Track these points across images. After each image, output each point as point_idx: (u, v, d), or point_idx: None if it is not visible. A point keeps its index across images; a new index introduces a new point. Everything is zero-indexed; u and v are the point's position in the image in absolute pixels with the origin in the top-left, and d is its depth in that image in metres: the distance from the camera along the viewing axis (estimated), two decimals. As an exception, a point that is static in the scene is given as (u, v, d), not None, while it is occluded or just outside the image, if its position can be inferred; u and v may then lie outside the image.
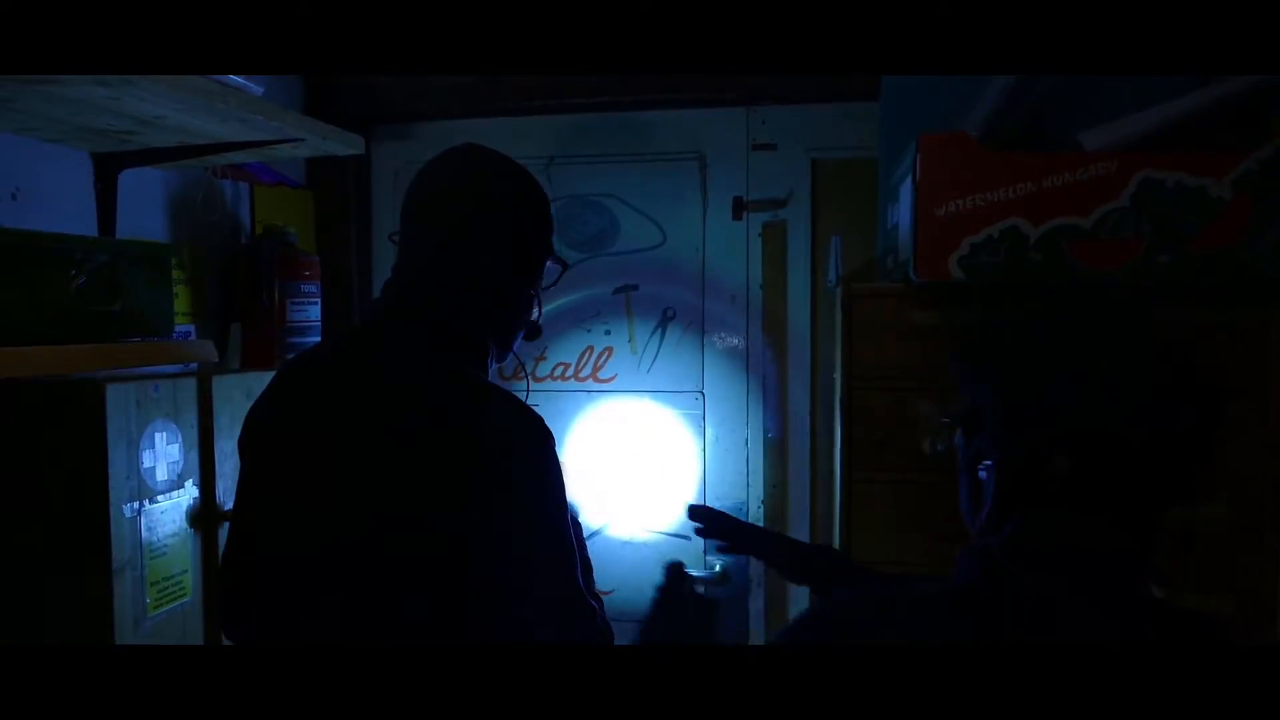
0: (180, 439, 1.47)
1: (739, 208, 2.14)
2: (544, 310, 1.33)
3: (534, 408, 1.15)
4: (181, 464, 1.47)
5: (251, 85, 1.42)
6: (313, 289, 1.91)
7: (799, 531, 2.13)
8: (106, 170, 1.56)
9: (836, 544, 1.75)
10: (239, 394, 1.55)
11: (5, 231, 0.98)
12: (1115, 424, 0.72)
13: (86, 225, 1.55)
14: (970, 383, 0.81)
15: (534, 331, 1.34)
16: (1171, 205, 1.48)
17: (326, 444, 1.14)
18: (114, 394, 1.34)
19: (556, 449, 1.15)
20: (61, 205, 1.49)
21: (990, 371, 0.79)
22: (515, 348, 1.31)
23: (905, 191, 1.65)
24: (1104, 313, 0.80)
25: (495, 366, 1.29)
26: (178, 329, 1.46)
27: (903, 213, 1.68)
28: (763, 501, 2.18)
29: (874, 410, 1.75)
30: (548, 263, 1.31)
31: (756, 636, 2.16)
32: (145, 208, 1.69)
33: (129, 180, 1.60)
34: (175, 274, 1.69)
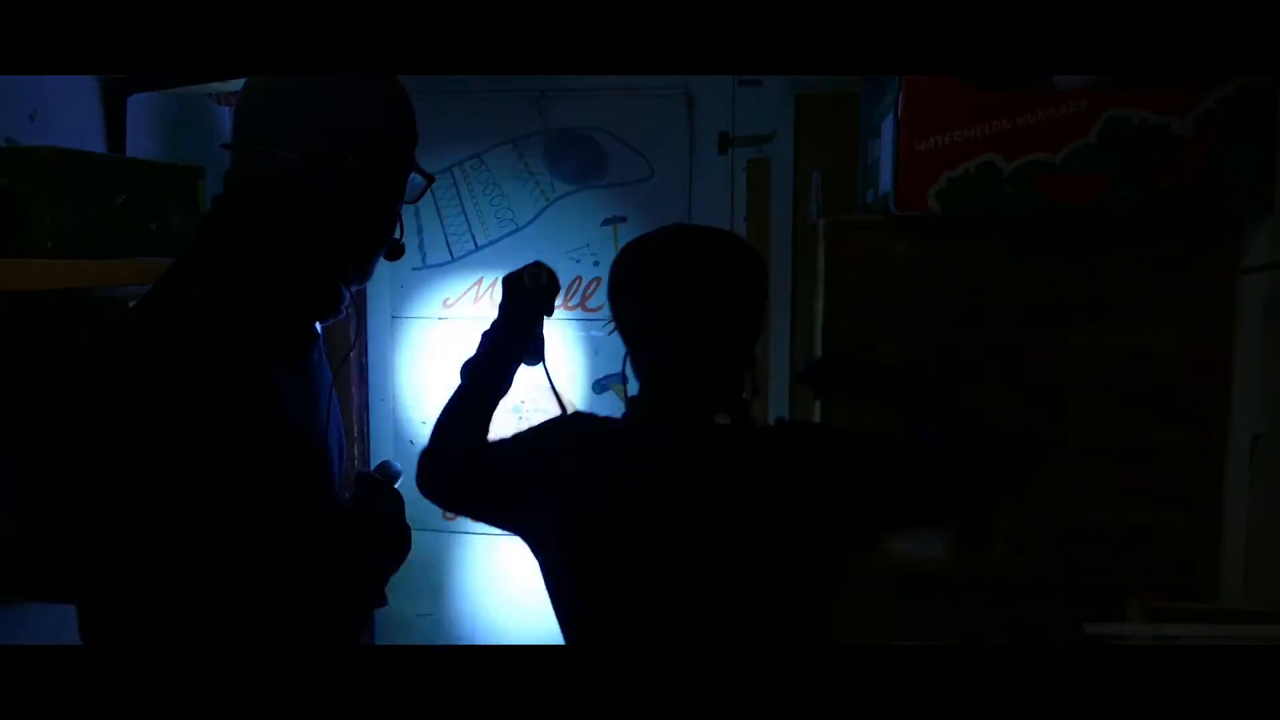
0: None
1: (725, 143, 2.20)
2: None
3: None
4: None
5: None
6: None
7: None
8: (114, 94, 1.60)
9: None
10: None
11: (61, 151, 1.03)
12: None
13: (96, 148, 1.58)
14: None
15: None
16: (1136, 142, 1.57)
17: None
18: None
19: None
20: (73, 128, 1.53)
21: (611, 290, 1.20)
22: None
23: (887, 127, 1.72)
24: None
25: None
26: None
27: (884, 148, 1.76)
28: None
29: (855, 339, 1.85)
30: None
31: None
32: (151, 133, 1.72)
33: (137, 105, 1.63)
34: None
